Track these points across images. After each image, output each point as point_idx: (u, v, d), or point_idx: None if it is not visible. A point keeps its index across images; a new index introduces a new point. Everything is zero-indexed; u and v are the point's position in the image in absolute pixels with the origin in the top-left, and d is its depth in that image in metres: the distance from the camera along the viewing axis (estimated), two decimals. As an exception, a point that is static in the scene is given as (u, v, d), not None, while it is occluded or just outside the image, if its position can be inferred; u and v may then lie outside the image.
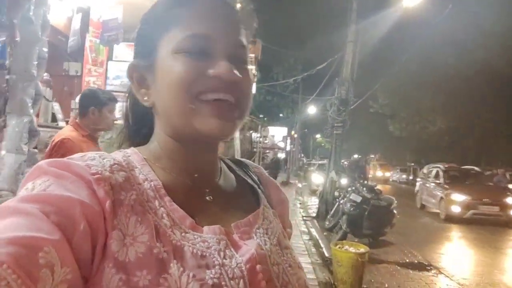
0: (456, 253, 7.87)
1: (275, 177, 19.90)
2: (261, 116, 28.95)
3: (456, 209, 11.06)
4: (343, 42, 10.56)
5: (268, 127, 26.37)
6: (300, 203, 12.93)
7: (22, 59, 2.10)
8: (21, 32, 2.04)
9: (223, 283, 0.50)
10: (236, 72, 0.56)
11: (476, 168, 14.58)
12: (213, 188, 0.63)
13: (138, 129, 0.68)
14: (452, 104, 21.90)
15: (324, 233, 7.88)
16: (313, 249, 6.68)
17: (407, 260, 6.61)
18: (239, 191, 0.68)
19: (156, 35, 0.59)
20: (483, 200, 10.92)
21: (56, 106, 3.87)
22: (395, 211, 7.36)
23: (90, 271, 0.46)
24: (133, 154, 0.60)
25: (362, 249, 4.77)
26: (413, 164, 31.77)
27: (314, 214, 10.12)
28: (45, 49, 2.29)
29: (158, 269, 0.48)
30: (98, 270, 0.47)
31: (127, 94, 0.69)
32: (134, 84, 0.62)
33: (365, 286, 4.89)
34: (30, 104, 2.12)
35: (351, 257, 4.59)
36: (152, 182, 0.56)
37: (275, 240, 0.63)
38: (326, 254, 6.07)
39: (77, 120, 2.39)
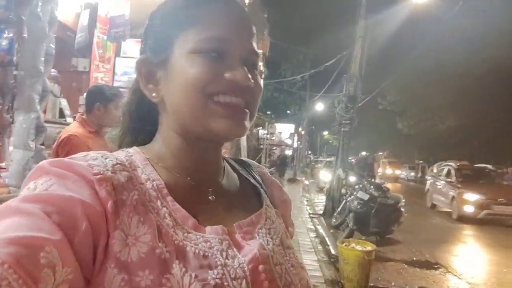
0: (465, 252, 7.75)
1: (282, 174, 19.94)
2: (268, 112, 28.91)
3: (469, 209, 10.73)
4: (351, 39, 10.48)
5: (275, 124, 26.33)
6: (307, 201, 12.91)
7: (30, 55, 2.11)
8: (29, 28, 2.05)
9: (225, 283, 0.50)
10: (250, 78, 0.57)
11: (490, 167, 14.17)
12: (216, 188, 0.63)
13: (142, 126, 0.67)
14: (462, 102, 21.64)
15: (331, 231, 7.86)
16: (320, 247, 6.67)
17: (415, 258, 6.57)
18: (242, 191, 0.68)
19: (171, 33, 0.59)
20: (498, 200, 10.54)
21: (64, 102, 3.90)
22: (402, 209, 7.32)
23: (91, 272, 0.46)
24: (135, 154, 0.60)
25: (369, 247, 4.75)
26: (421, 161, 31.52)
27: (321, 212, 10.09)
28: (53, 45, 2.30)
29: (161, 269, 0.47)
30: (100, 270, 0.47)
31: (131, 90, 0.68)
32: (142, 79, 0.61)
33: (371, 284, 4.87)
34: (37, 100, 2.13)
35: (358, 255, 4.57)
36: (154, 182, 0.56)
37: (278, 240, 0.62)
38: (333, 252, 6.06)
39: (84, 117, 2.40)
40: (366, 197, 7.10)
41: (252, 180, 0.72)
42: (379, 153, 41.58)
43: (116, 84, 4.45)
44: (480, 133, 22.97)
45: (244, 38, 0.59)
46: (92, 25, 3.63)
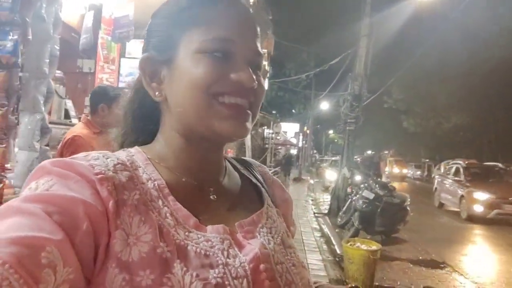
0: (473, 252, 7.66)
1: (288, 174, 19.90)
2: (273, 112, 28.87)
3: (478, 209, 10.48)
4: (356, 37, 10.43)
5: (281, 123, 26.29)
6: (312, 200, 12.89)
7: (34, 57, 2.12)
8: (33, 30, 2.06)
9: (226, 282, 0.50)
10: (255, 79, 0.57)
11: (499, 165, 13.75)
12: (217, 187, 0.63)
13: (144, 126, 0.67)
14: (467, 100, 21.44)
15: (336, 230, 7.84)
16: (325, 246, 6.65)
17: (421, 258, 6.53)
18: (243, 190, 0.68)
19: (175, 32, 0.59)
20: (509, 199, 10.26)
21: (69, 103, 3.92)
22: (408, 208, 7.27)
23: (92, 271, 0.46)
24: (136, 154, 0.60)
25: (374, 246, 4.73)
26: (427, 160, 31.30)
27: (326, 211, 10.07)
28: (57, 47, 2.31)
29: (162, 268, 0.47)
30: (101, 270, 0.47)
31: (134, 88, 0.67)
32: (146, 78, 0.61)
33: (377, 283, 4.85)
34: (42, 102, 2.14)
35: (363, 255, 4.55)
36: (155, 182, 0.56)
37: (279, 239, 0.62)
38: (338, 251, 6.05)
39: (88, 117, 2.41)
40: (371, 196, 7.07)
41: (254, 180, 0.72)
42: (384, 152, 41.40)
43: (121, 84, 4.46)
44: (486, 132, 22.75)
45: (249, 39, 0.59)
46: (96, 27, 3.65)
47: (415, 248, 7.15)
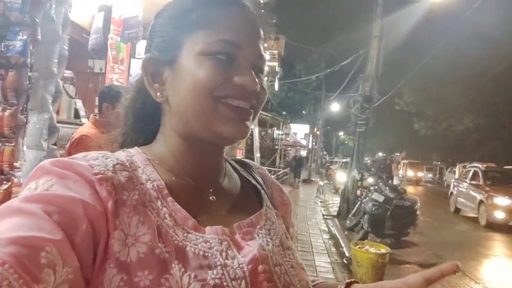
0: (488, 259, 7.35)
1: (298, 176, 19.84)
2: (283, 113, 28.83)
3: (499, 215, 9.85)
4: (367, 38, 10.36)
5: (290, 124, 26.24)
6: (321, 202, 12.82)
7: (43, 57, 2.15)
8: (43, 30, 2.08)
9: (224, 283, 0.50)
10: (258, 83, 0.57)
11: None
12: (217, 189, 0.63)
13: (145, 126, 0.67)
14: (480, 102, 21.12)
15: (345, 232, 7.78)
16: (333, 249, 6.61)
17: (431, 262, 6.43)
18: (243, 191, 0.68)
19: (179, 33, 0.58)
20: None
21: (79, 103, 3.97)
22: (418, 212, 7.18)
23: (91, 272, 0.46)
24: (136, 154, 0.60)
25: (383, 249, 4.69)
26: (439, 163, 30.89)
27: (335, 213, 10.01)
28: (66, 47, 2.34)
29: (160, 269, 0.48)
30: (99, 270, 0.46)
31: (136, 88, 0.67)
32: (148, 78, 0.61)
33: (385, 287, 4.79)
34: (50, 101, 2.17)
35: (371, 258, 4.52)
36: (155, 182, 0.56)
37: (277, 241, 0.62)
38: (347, 254, 6.00)
39: (97, 117, 2.43)
40: (381, 198, 7.01)
41: (253, 181, 0.72)
42: (396, 154, 41.03)
43: (130, 85, 4.49)
44: (500, 134, 22.35)
45: (253, 42, 0.59)
46: (106, 27, 3.68)
47: (425, 252, 7.05)
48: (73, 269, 0.42)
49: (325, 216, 9.87)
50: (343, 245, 6.68)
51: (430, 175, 29.65)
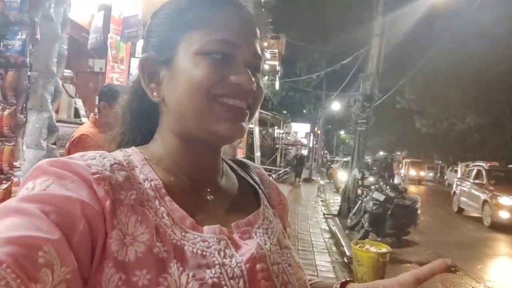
0: (490, 259, 7.29)
1: (299, 175, 19.83)
2: (284, 112, 28.80)
3: (504, 215, 9.68)
4: (368, 36, 10.34)
5: (291, 123, 26.21)
6: (322, 201, 12.81)
7: (43, 56, 2.15)
8: (42, 30, 2.08)
9: (223, 282, 0.50)
10: (254, 81, 0.57)
11: None
12: (214, 188, 0.63)
13: (142, 126, 0.67)
14: (482, 101, 21.04)
15: (346, 232, 7.77)
16: (334, 248, 6.61)
17: (432, 261, 6.41)
18: (240, 191, 0.68)
19: (176, 33, 0.58)
20: None
21: (79, 102, 3.97)
22: (419, 211, 7.17)
23: (89, 271, 0.46)
24: (133, 154, 0.60)
25: (384, 249, 4.69)
26: (440, 162, 30.84)
27: (336, 212, 10.00)
28: (65, 46, 2.34)
29: (158, 268, 0.48)
30: (97, 270, 0.46)
31: (133, 88, 0.67)
32: (145, 78, 0.61)
33: (386, 287, 4.78)
34: (49, 101, 2.17)
35: (372, 257, 4.52)
36: (152, 182, 0.56)
37: (275, 240, 0.63)
38: (347, 253, 5.99)
39: (96, 116, 2.43)
40: (382, 197, 7.01)
41: (250, 181, 0.72)
42: (397, 153, 41.01)
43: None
44: (501, 133, 22.27)
45: (249, 41, 0.59)
46: (106, 26, 3.68)
47: (426, 251, 7.04)
48: (70, 269, 0.42)
49: (325, 215, 9.86)
50: (343, 244, 6.68)
51: (431, 174, 29.64)
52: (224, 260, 0.53)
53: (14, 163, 2.04)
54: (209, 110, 0.56)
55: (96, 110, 3.91)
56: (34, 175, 0.50)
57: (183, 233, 0.52)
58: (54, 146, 2.28)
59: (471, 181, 12.03)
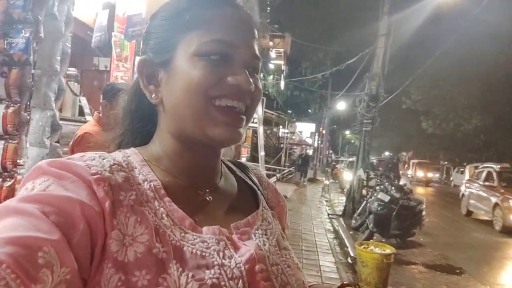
0: (498, 262, 7.13)
1: (305, 174, 19.80)
2: (288, 111, 28.75)
3: None
4: (374, 36, 10.29)
5: (296, 122, 26.18)
6: (326, 201, 12.78)
7: (46, 54, 2.15)
8: (45, 28, 2.08)
9: (222, 283, 0.50)
10: (252, 82, 0.57)
11: None
12: (213, 189, 0.63)
13: (142, 127, 0.67)
14: (489, 101, 20.86)
15: (350, 232, 7.75)
16: (338, 248, 6.58)
17: (437, 263, 6.38)
18: (239, 192, 0.68)
19: (173, 34, 0.59)
20: None
21: (83, 100, 3.98)
22: (424, 212, 7.12)
23: (89, 272, 0.46)
24: (133, 155, 0.60)
25: (388, 250, 4.65)
26: (446, 163, 30.61)
27: (341, 212, 9.97)
28: (69, 44, 2.34)
29: (157, 269, 0.48)
30: (97, 270, 0.47)
31: (132, 90, 0.68)
32: (143, 80, 0.61)
33: (390, 288, 4.76)
34: (53, 99, 2.17)
35: (376, 258, 4.48)
36: (151, 183, 0.56)
37: (274, 241, 0.63)
38: (351, 254, 5.97)
39: (100, 115, 2.44)
40: (387, 198, 6.98)
41: (249, 182, 0.72)
42: (403, 153, 40.82)
43: (135, 83, 4.48)
44: (507, 134, 22.06)
45: (247, 42, 0.59)
46: (111, 25, 3.69)
47: (431, 253, 6.99)
48: (70, 269, 0.42)
49: (330, 216, 9.83)
50: (348, 245, 6.65)
51: (437, 175, 29.40)
52: (224, 260, 0.53)
53: (18, 161, 2.04)
54: (206, 113, 0.56)
55: (100, 108, 3.93)
56: (33, 176, 0.50)
57: (182, 234, 0.52)
58: (57, 144, 2.29)
59: (481, 183, 11.63)
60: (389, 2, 9.68)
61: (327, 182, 15.53)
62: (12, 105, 1.99)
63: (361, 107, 9.80)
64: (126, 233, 0.49)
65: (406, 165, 33.20)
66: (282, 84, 24.29)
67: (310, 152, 30.14)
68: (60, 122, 2.39)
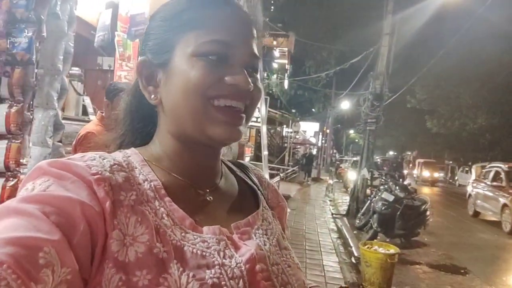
0: (507, 263, 6.99)
1: (309, 174, 19.77)
2: (292, 110, 28.71)
3: None
4: (378, 35, 10.24)
5: (300, 122, 26.13)
6: (330, 200, 12.75)
7: (49, 53, 2.15)
8: (48, 27, 2.08)
9: (222, 283, 0.50)
10: (250, 82, 0.57)
11: None
12: (214, 189, 0.63)
13: (142, 127, 0.67)
14: (494, 100, 20.73)
15: (354, 232, 7.72)
16: (342, 248, 6.55)
17: (442, 263, 6.34)
18: (239, 192, 0.68)
19: (172, 35, 0.59)
20: None
21: (87, 100, 3.99)
22: (428, 212, 7.09)
23: (89, 272, 0.46)
24: (133, 155, 0.60)
25: (392, 250, 4.63)
26: (451, 162, 30.43)
27: (345, 212, 9.94)
28: (71, 44, 2.34)
29: (158, 269, 0.48)
30: (97, 270, 0.47)
31: (132, 90, 0.68)
32: (142, 81, 0.61)
33: (394, 288, 4.73)
34: (55, 98, 2.18)
35: (380, 258, 4.47)
36: (152, 183, 0.56)
37: (274, 241, 0.63)
38: (355, 254, 5.95)
39: (103, 114, 2.44)
40: (391, 198, 6.96)
41: (249, 182, 0.72)
42: (407, 153, 40.66)
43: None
44: (512, 133, 21.90)
45: (245, 41, 0.59)
46: (114, 24, 3.69)
47: (435, 252, 6.96)
48: (71, 270, 0.42)
49: (334, 215, 9.81)
50: (351, 244, 6.63)
51: (441, 174, 29.23)
52: (224, 260, 0.53)
53: (21, 161, 2.04)
54: (205, 112, 0.56)
55: (103, 108, 3.93)
56: (34, 176, 0.50)
57: (183, 234, 0.53)
58: (59, 143, 2.29)
59: (489, 183, 11.32)
60: (393, 0, 9.63)
61: (331, 181, 15.53)
62: (15, 104, 2.00)
63: (365, 106, 9.77)
64: (127, 233, 0.49)
65: (411, 165, 33.03)
66: (286, 83, 24.26)
67: (314, 151, 30.08)
68: (64, 121, 2.39)
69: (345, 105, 25.78)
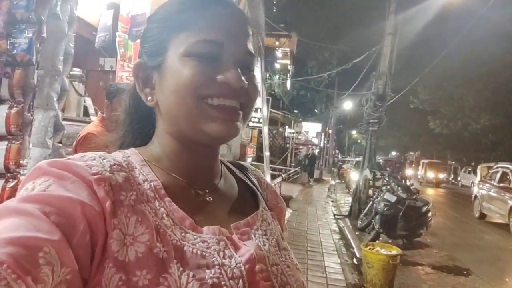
0: (509, 265, 6.91)
1: (312, 175, 19.72)
2: (294, 111, 28.67)
3: None
4: (381, 35, 10.21)
5: (302, 122, 26.08)
6: (332, 201, 12.71)
7: (49, 54, 2.15)
8: (48, 28, 2.08)
9: (222, 283, 0.51)
10: (244, 79, 0.57)
11: None
12: (213, 189, 0.64)
13: (142, 128, 0.68)
14: (497, 101, 20.64)
15: (356, 233, 7.69)
16: (344, 249, 6.52)
17: (444, 264, 6.31)
18: (239, 193, 0.69)
19: (165, 36, 0.59)
20: None
21: (88, 101, 3.99)
22: (431, 213, 7.06)
23: (89, 272, 0.46)
24: (133, 155, 0.61)
25: (394, 251, 4.61)
26: (453, 162, 30.33)
27: (347, 213, 9.91)
28: (72, 45, 2.33)
29: (158, 269, 0.48)
30: (97, 270, 0.47)
31: (130, 93, 0.68)
32: (139, 83, 0.62)
33: (396, 290, 4.71)
34: (56, 99, 2.17)
35: (382, 259, 4.45)
36: (152, 183, 0.56)
37: (274, 241, 0.64)
38: (357, 255, 5.92)
39: (104, 115, 2.43)
40: (393, 199, 6.93)
41: (249, 183, 0.73)
42: (410, 153, 40.56)
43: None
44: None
45: (238, 40, 0.59)
46: (115, 25, 3.69)
47: (438, 253, 6.92)
48: (71, 270, 0.42)
49: (336, 216, 9.78)
50: (353, 245, 6.61)
51: (444, 175, 29.14)
52: (224, 260, 0.53)
53: (21, 162, 2.04)
54: (199, 111, 0.56)
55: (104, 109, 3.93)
56: (34, 176, 0.50)
57: (183, 234, 0.53)
58: (60, 144, 2.28)
59: (496, 184, 10.98)
60: (396, 1, 9.60)
61: (333, 182, 15.47)
62: (15, 105, 1.99)
63: (368, 107, 9.74)
64: (127, 233, 0.49)
65: (414, 165, 32.94)
66: (288, 83, 24.23)
67: (316, 152, 30.03)
68: (64, 122, 2.39)
69: (348, 105, 25.72)
